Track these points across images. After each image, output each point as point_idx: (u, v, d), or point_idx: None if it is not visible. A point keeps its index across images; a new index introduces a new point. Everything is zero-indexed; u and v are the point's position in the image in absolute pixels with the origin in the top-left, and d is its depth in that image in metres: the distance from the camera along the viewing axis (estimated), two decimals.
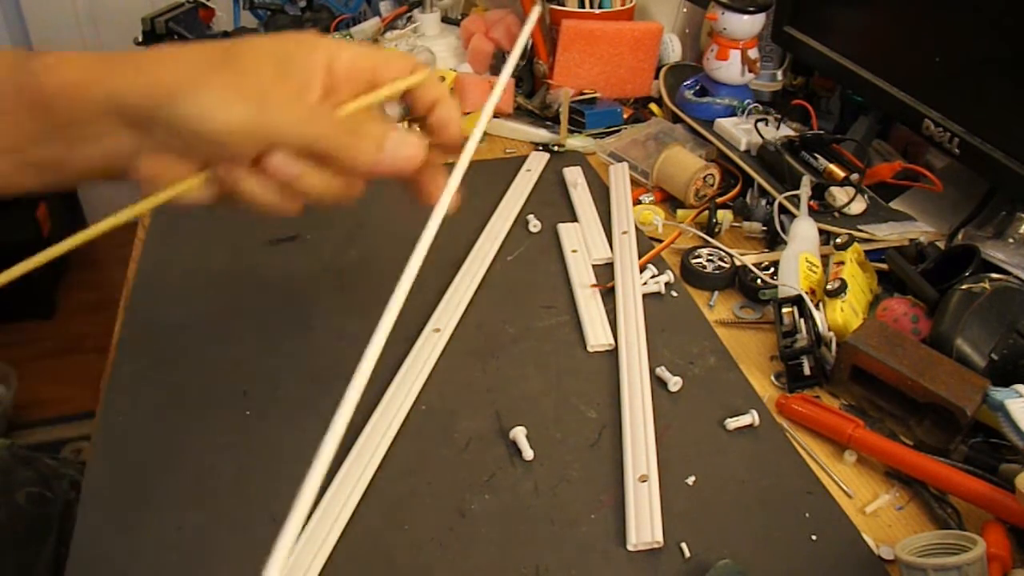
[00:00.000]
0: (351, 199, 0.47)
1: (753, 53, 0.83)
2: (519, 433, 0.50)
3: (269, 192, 0.45)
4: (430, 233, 0.45)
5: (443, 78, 0.87)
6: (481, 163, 0.83)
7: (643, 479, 0.47)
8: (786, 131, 0.78)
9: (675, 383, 0.54)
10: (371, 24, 1.03)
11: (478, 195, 0.76)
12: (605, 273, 0.65)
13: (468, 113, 0.87)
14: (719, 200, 0.74)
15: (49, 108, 0.42)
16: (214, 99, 0.41)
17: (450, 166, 0.46)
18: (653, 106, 0.93)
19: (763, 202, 0.73)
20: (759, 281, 0.63)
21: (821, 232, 0.66)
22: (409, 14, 1.05)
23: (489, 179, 0.79)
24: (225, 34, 1.01)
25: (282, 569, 0.34)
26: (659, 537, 0.43)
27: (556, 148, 0.85)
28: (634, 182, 0.79)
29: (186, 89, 0.41)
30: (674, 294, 0.64)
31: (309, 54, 0.45)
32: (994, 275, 0.56)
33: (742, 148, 0.78)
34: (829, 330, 0.56)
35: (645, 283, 0.63)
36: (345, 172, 0.46)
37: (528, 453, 0.49)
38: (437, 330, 0.58)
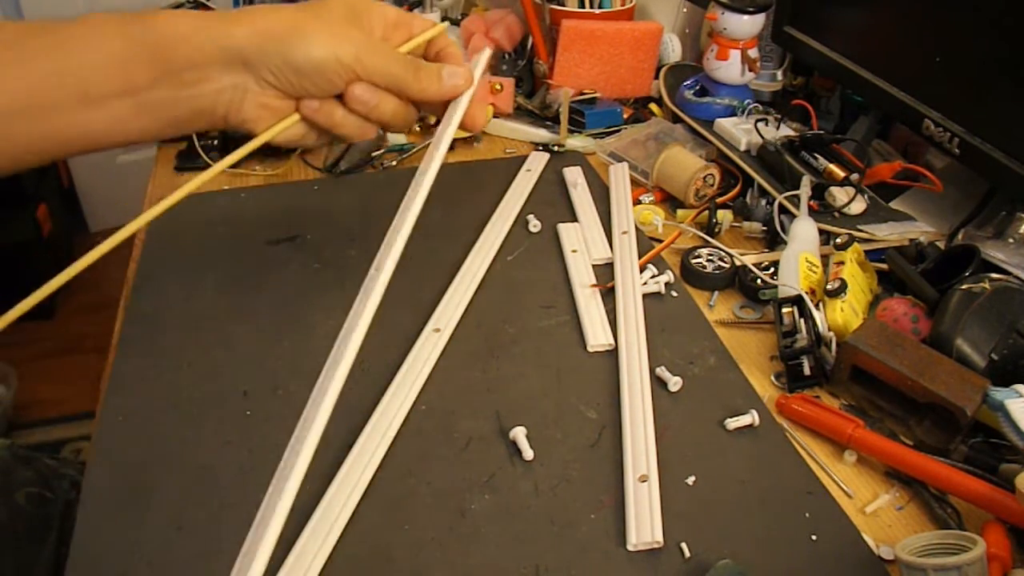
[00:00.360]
0: (409, 126, 0.60)
1: (753, 53, 0.83)
2: (519, 433, 0.50)
3: (351, 120, 0.56)
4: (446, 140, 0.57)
5: None
6: (481, 163, 0.83)
7: (643, 479, 0.47)
8: (786, 131, 0.78)
9: (675, 383, 0.54)
10: None
11: (478, 195, 0.76)
12: (605, 273, 0.65)
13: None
14: (719, 200, 0.74)
15: (166, 55, 0.50)
16: (321, 40, 0.51)
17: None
18: (653, 106, 0.93)
19: (763, 202, 0.73)
20: (759, 281, 0.63)
21: (821, 232, 0.66)
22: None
23: (489, 179, 0.79)
24: None
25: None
26: (659, 537, 0.43)
27: (556, 148, 0.85)
28: (634, 182, 0.79)
29: (296, 34, 0.51)
30: (674, 294, 0.64)
31: (370, 9, 0.56)
32: (994, 275, 0.56)
33: (742, 148, 0.78)
34: (829, 330, 0.56)
35: (645, 283, 0.63)
36: (410, 100, 0.58)
37: (528, 453, 0.49)
38: (437, 330, 0.58)
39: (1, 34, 0.48)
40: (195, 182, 0.52)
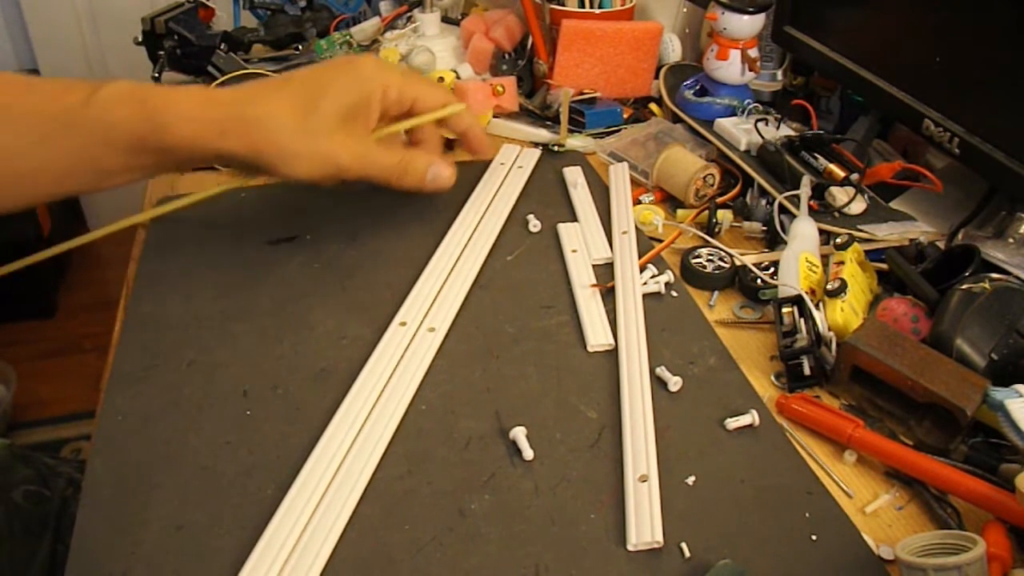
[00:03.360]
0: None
1: (753, 53, 0.83)
2: (519, 433, 0.50)
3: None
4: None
5: (442, 79, 0.87)
6: (480, 162, 0.83)
7: (643, 479, 0.47)
8: (786, 131, 0.78)
9: (675, 383, 0.54)
10: (371, 24, 1.03)
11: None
12: (605, 273, 0.65)
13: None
14: (719, 200, 0.74)
15: (167, 152, 0.57)
16: (304, 164, 0.59)
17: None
18: (653, 106, 0.93)
19: (763, 202, 0.73)
20: (759, 281, 0.63)
21: (821, 232, 0.66)
22: (409, 14, 1.05)
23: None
24: (225, 34, 1.01)
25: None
26: (659, 537, 0.43)
27: (556, 148, 0.85)
28: (634, 182, 0.79)
29: (281, 156, 0.58)
30: (674, 294, 0.64)
31: (369, 99, 0.61)
32: (994, 275, 0.56)
33: (742, 148, 0.78)
34: (829, 330, 0.56)
35: (645, 283, 0.63)
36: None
37: (528, 453, 0.49)
38: (432, 329, 0.58)
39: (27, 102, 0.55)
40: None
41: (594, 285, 0.63)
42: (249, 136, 0.57)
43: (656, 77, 0.94)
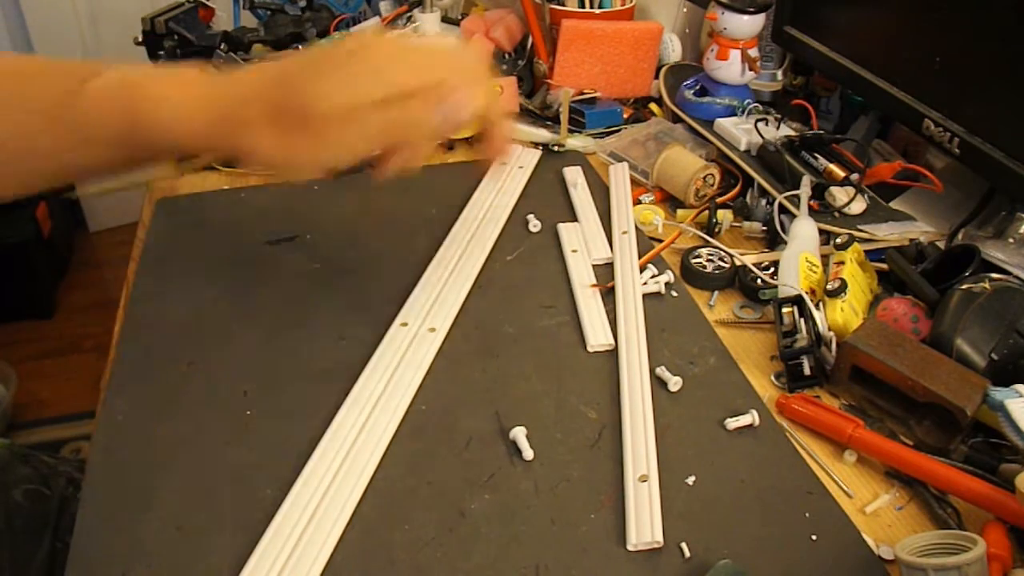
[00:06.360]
0: None
1: (753, 53, 0.83)
2: (519, 433, 0.50)
3: None
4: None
5: None
6: (479, 162, 0.83)
7: (643, 479, 0.47)
8: (786, 131, 0.78)
9: (675, 383, 0.54)
10: (371, 24, 1.03)
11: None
12: (605, 273, 0.65)
13: None
14: (719, 200, 0.74)
15: (150, 150, 0.53)
16: (302, 162, 0.51)
17: None
18: (653, 106, 0.93)
19: (763, 202, 0.73)
20: (759, 281, 0.63)
21: (821, 232, 0.66)
22: (409, 14, 1.05)
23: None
24: (225, 35, 1.01)
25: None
26: (659, 537, 0.43)
27: (556, 148, 0.85)
28: (634, 182, 0.79)
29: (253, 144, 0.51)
30: (674, 294, 0.64)
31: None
32: (994, 275, 0.56)
33: (742, 148, 0.78)
34: (829, 330, 0.56)
35: (645, 283, 0.63)
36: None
37: (528, 453, 0.49)
38: (432, 330, 0.58)
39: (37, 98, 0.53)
40: None
41: (594, 285, 0.63)
42: (239, 152, 0.53)
43: (656, 77, 0.94)
